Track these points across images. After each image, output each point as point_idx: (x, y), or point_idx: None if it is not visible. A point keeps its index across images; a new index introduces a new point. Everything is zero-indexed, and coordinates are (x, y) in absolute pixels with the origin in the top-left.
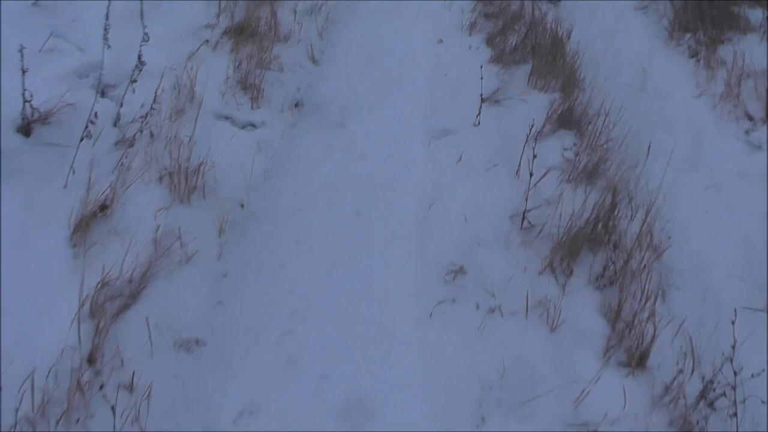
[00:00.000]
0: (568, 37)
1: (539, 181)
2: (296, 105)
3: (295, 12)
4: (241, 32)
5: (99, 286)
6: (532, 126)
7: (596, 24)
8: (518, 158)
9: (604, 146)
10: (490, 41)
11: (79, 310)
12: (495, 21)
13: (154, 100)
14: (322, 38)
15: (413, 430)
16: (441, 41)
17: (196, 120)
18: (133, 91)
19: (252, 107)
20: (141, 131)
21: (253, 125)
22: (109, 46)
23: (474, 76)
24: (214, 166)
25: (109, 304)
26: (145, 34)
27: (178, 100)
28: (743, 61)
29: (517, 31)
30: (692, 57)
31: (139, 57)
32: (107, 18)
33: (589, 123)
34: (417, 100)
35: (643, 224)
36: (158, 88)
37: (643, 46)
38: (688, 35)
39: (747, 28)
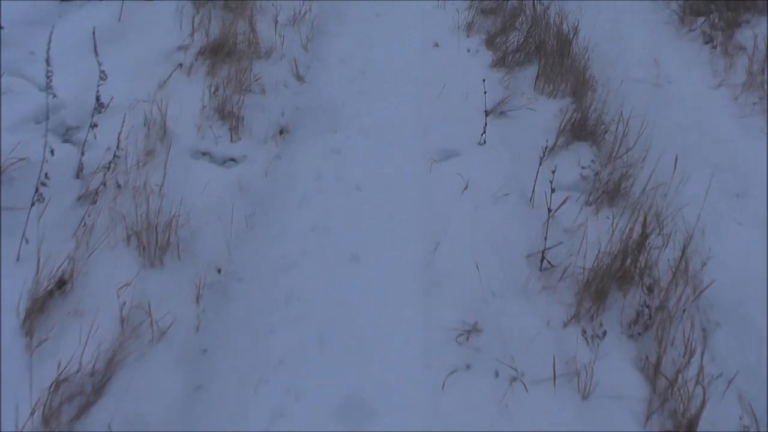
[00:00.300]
0: (575, 32)
1: (557, 209)
2: (281, 132)
3: (276, 23)
4: (217, 52)
5: (52, 387)
6: (545, 147)
7: (601, 14)
8: (531, 183)
9: (624, 158)
10: (490, 42)
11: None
12: (494, 18)
13: (118, 146)
14: (307, 51)
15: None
16: (437, 45)
17: (165, 164)
18: (95, 137)
19: (231, 139)
20: (104, 184)
21: (233, 160)
22: (54, 96)
23: (475, 84)
24: (189, 218)
25: (67, 406)
26: (102, 71)
27: (148, 139)
28: (766, 45)
29: (519, 28)
30: (707, 43)
31: (97, 98)
32: (48, 63)
33: (606, 131)
34: (415, 117)
35: (679, 262)
36: (123, 129)
37: (653, 34)
38: (700, 19)
39: (766, 8)
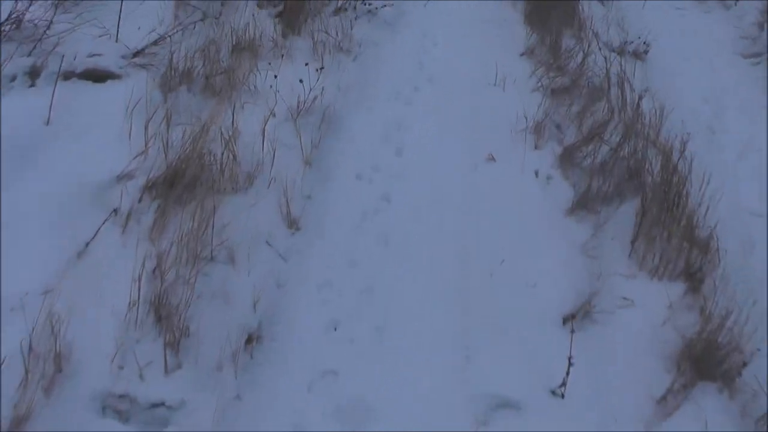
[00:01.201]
0: (683, 148)
1: None
2: (248, 342)
3: (271, 116)
4: (174, 182)
5: None
6: None
7: (696, 86)
8: None
9: None
10: (566, 158)
11: None
12: (568, 101)
13: None
14: (309, 165)
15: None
16: (491, 158)
17: None
18: None
19: (166, 368)
20: None
21: (165, 405)
22: None
23: (551, 256)
24: None
25: None
26: None
27: (25, 388)
28: None
29: (606, 138)
30: None
31: None
32: None
33: (744, 365)
34: (455, 315)
35: None
36: None
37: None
38: None
39: None
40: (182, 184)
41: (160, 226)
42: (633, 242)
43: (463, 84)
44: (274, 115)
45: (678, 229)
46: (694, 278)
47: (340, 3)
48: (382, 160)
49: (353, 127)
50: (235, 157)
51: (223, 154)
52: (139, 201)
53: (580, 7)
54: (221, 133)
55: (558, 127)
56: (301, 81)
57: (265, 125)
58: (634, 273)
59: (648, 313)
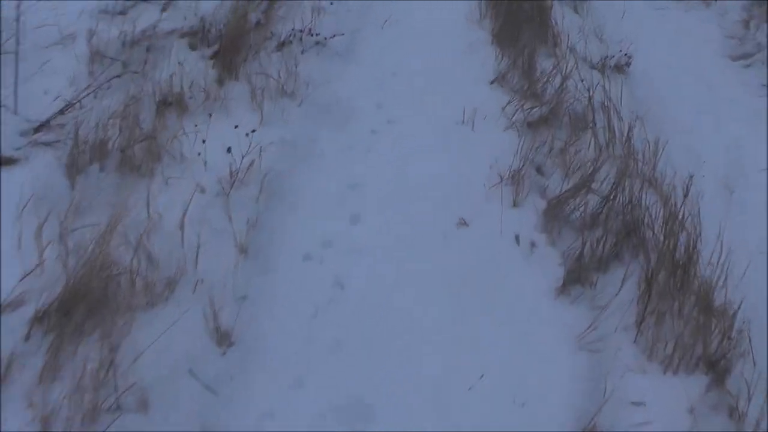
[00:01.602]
0: (686, 192)
1: None
2: None
3: (197, 192)
4: (74, 305)
5: None
6: None
7: (688, 101)
8: None
9: None
10: (550, 215)
11: None
12: (548, 136)
13: None
14: (246, 253)
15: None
16: (463, 223)
17: None
18: None
19: None
20: None
21: None
22: None
23: (540, 358)
24: None
25: None
26: None
27: None
28: None
29: (596, 188)
30: None
31: None
32: None
33: None
34: None
35: None
36: None
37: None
38: None
39: None
40: (83, 307)
41: (51, 371)
42: (639, 323)
43: (426, 124)
44: (203, 191)
45: (690, 300)
46: (716, 367)
47: (283, 37)
48: (334, 232)
49: (299, 192)
50: (150, 260)
51: (132, 259)
52: (26, 339)
53: (553, 21)
54: (131, 230)
55: (539, 170)
56: (229, 150)
57: (187, 208)
58: (644, 366)
59: (666, 424)
